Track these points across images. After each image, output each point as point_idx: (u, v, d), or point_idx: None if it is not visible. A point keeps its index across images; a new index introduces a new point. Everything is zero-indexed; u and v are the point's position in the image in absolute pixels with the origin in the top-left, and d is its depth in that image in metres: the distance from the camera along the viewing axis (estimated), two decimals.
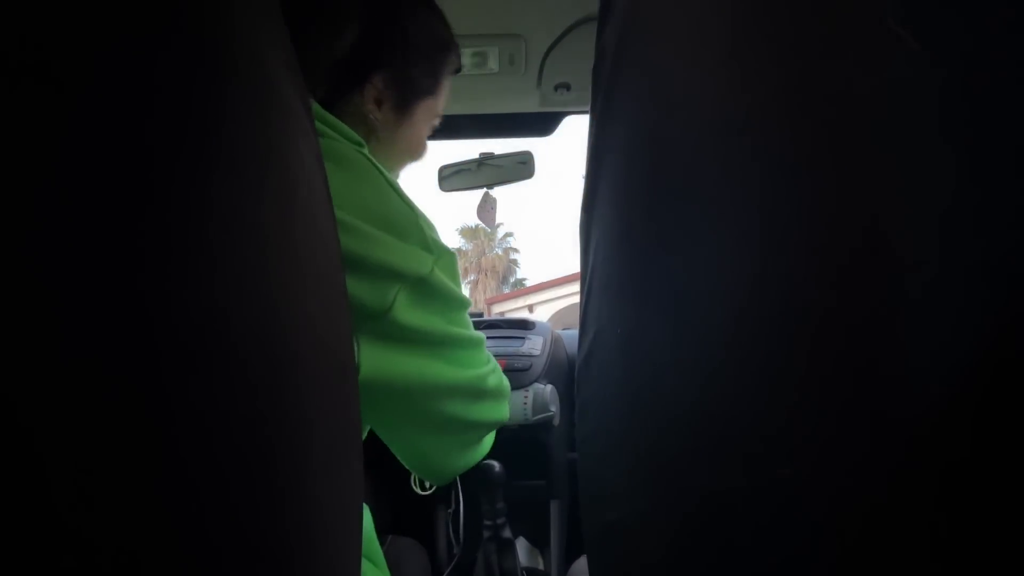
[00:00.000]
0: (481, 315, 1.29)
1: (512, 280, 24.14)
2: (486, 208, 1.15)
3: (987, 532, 0.15)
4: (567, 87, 0.93)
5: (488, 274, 23.94)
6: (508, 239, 24.70)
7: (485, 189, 1.12)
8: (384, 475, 0.95)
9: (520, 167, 1.11)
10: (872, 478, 0.16)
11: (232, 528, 0.17)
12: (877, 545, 0.16)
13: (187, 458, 0.16)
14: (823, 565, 0.17)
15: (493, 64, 0.85)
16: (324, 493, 0.22)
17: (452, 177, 1.11)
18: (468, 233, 24.63)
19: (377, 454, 0.55)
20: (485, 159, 1.09)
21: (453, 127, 1.03)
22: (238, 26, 0.18)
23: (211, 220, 0.17)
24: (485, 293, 22.58)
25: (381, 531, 0.64)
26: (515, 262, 24.46)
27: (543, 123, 1.07)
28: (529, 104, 0.98)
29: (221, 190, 0.17)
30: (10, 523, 0.13)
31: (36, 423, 0.13)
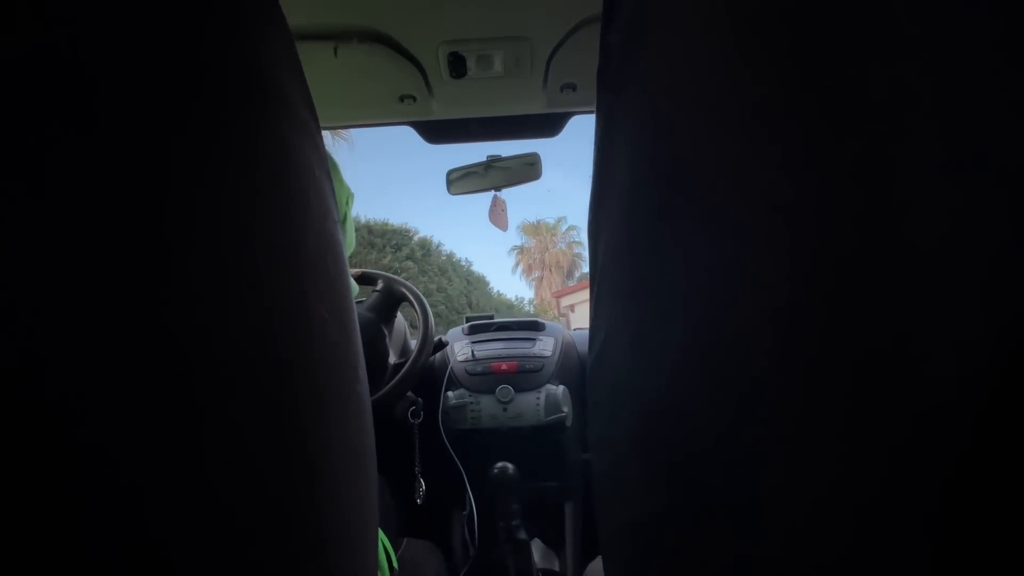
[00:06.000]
0: (492, 317, 1.28)
1: (577, 275, 23.00)
2: (497, 211, 1.15)
3: (1005, 536, 0.15)
4: (573, 87, 0.92)
5: (552, 269, 23.04)
6: (572, 233, 23.56)
7: (494, 193, 1.13)
8: (400, 479, 0.96)
9: (528, 168, 1.11)
10: (889, 480, 0.16)
11: (251, 535, 0.17)
12: (895, 548, 0.16)
13: (205, 467, 0.16)
14: (841, 566, 0.17)
15: (498, 67, 0.85)
16: (342, 499, 0.22)
17: (460, 180, 1.12)
18: (530, 229, 23.83)
19: (392, 458, 0.55)
20: (493, 161, 1.09)
21: (460, 130, 1.03)
22: (247, 37, 0.19)
23: (224, 229, 0.17)
24: (551, 288, 21.90)
25: (397, 534, 0.64)
26: (579, 256, 23.19)
27: (550, 124, 1.07)
28: (536, 105, 0.98)
29: (233, 200, 0.18)
30: (41, 525, 0.13)
31: (38, 432, 0.14)
